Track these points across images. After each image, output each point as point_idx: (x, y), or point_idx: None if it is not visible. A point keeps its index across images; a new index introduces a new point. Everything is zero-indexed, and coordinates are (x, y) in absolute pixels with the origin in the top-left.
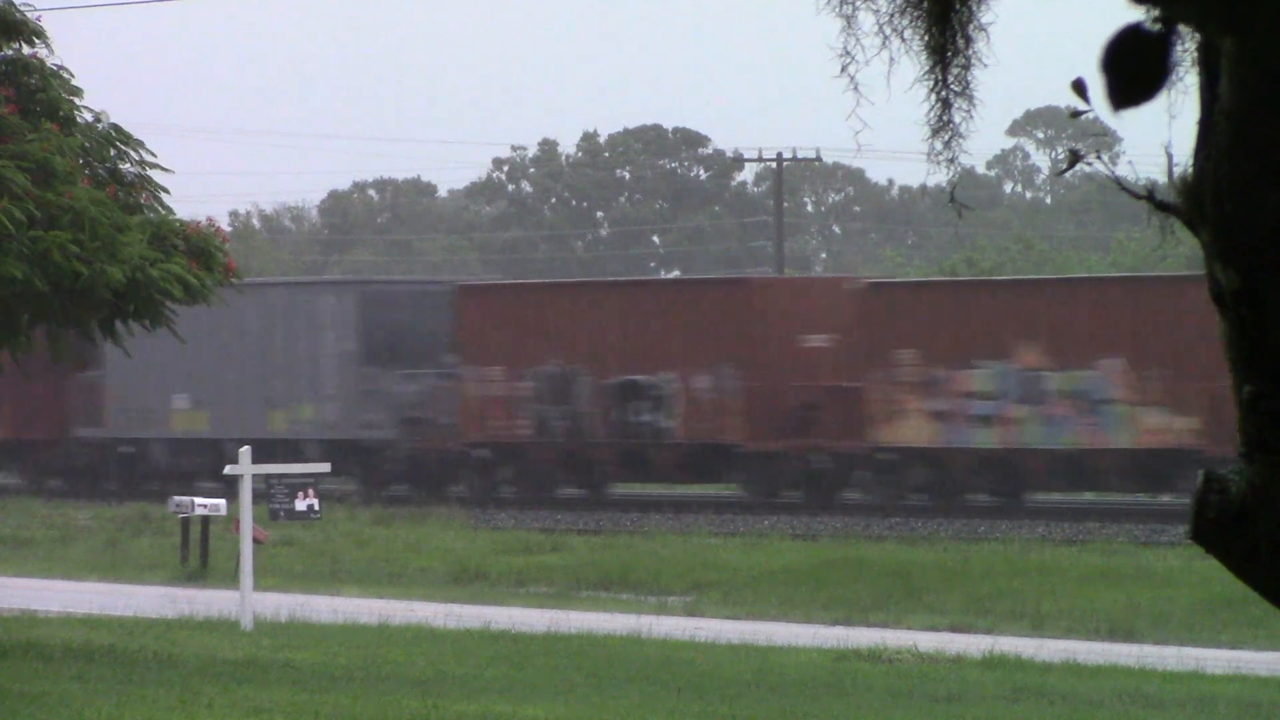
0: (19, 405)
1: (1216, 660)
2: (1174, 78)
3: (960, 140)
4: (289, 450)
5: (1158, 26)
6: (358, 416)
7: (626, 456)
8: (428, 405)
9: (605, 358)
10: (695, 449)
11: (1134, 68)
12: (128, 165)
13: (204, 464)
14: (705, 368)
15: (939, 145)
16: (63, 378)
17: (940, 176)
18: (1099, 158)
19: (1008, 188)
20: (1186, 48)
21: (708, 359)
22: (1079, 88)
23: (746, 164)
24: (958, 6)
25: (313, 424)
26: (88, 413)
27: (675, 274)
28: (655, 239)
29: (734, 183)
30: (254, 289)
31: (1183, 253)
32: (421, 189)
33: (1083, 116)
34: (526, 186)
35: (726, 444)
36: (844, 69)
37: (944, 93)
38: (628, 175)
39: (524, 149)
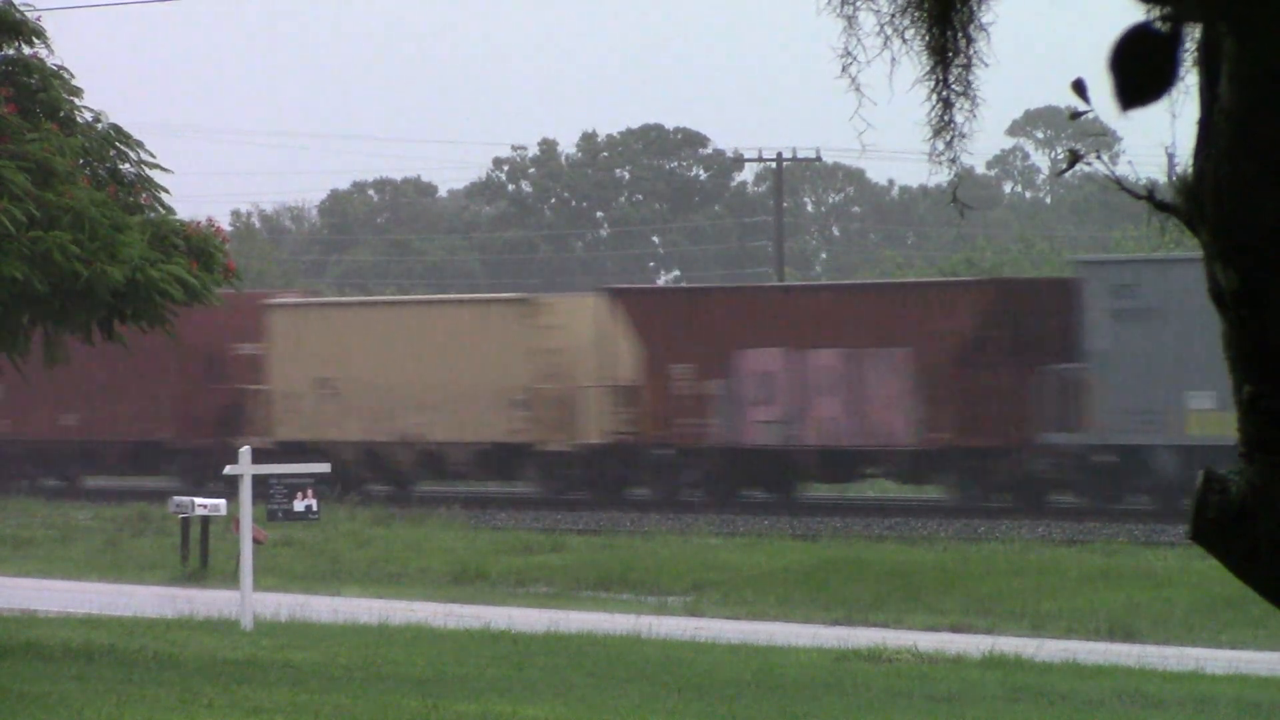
0: (964, 409)
1: (1216, 660)
2: (1181, 77)
3: (962, 140)
4: None
5: (1165, 26)
6: None
7: None
8: None
9: None
10: None
11: (1142, 68)
12: (128, 165)
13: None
14: None
15: (941, 145)
16: (1026, 372)
17: (942, 176)
18: (1099, 158)
19: (1007, 188)
20: (1188, 48)
21: None
22: (1079, 88)
23: (746, 164)
24: (958, 6)
25: None
26: (1062, 414)
27: (675, 274)
28: (655, 239)
29: (734, 183)
30: None
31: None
32: (421, 189)
33: (1083, 117)
34: (526, 186)
35: None
36: (845, 69)
37: (945, 93)
38: (628, 175)
39: (524, 149)
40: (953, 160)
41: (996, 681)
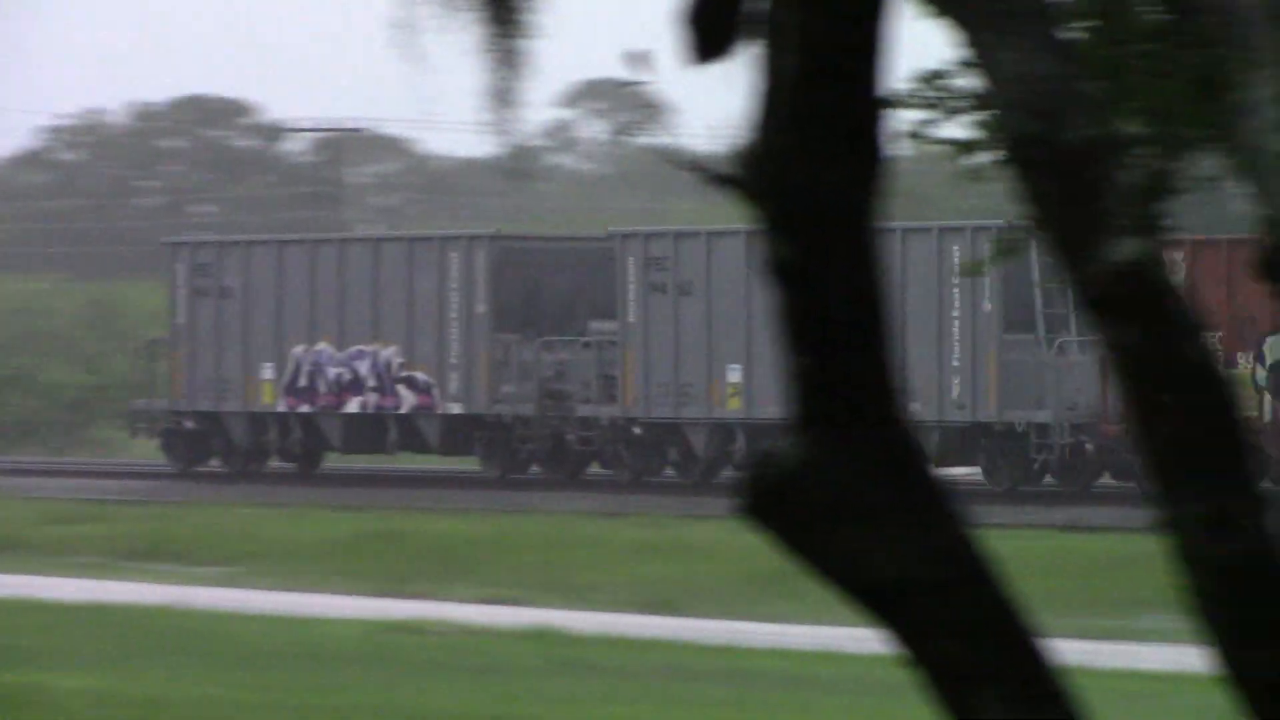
0: None
1: (757, 634)
2: (752, 30)
3: (517, 110)
4: None
5: None
6: None
7: None
8: None
9: None
10: None
11: (712, 20)
12: None
13: None
14: None
15: (498, 115)
16: None
17: (499, 147)
18: (652, 131)
19: (559, 159)
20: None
21: None
22: (637, 60)
23: (295, 135)
24: None
25: None
26: None
27: None
28: (214, 208)
29: (285, 154)
30: None
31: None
32: None
33: (638, 88)
34: (73, 156)
35: None
36: (400, 41)
37: (502, 63)
38: (181, 145)
39: (69, 118)
40: (509, 130)
41: (539, 654)
